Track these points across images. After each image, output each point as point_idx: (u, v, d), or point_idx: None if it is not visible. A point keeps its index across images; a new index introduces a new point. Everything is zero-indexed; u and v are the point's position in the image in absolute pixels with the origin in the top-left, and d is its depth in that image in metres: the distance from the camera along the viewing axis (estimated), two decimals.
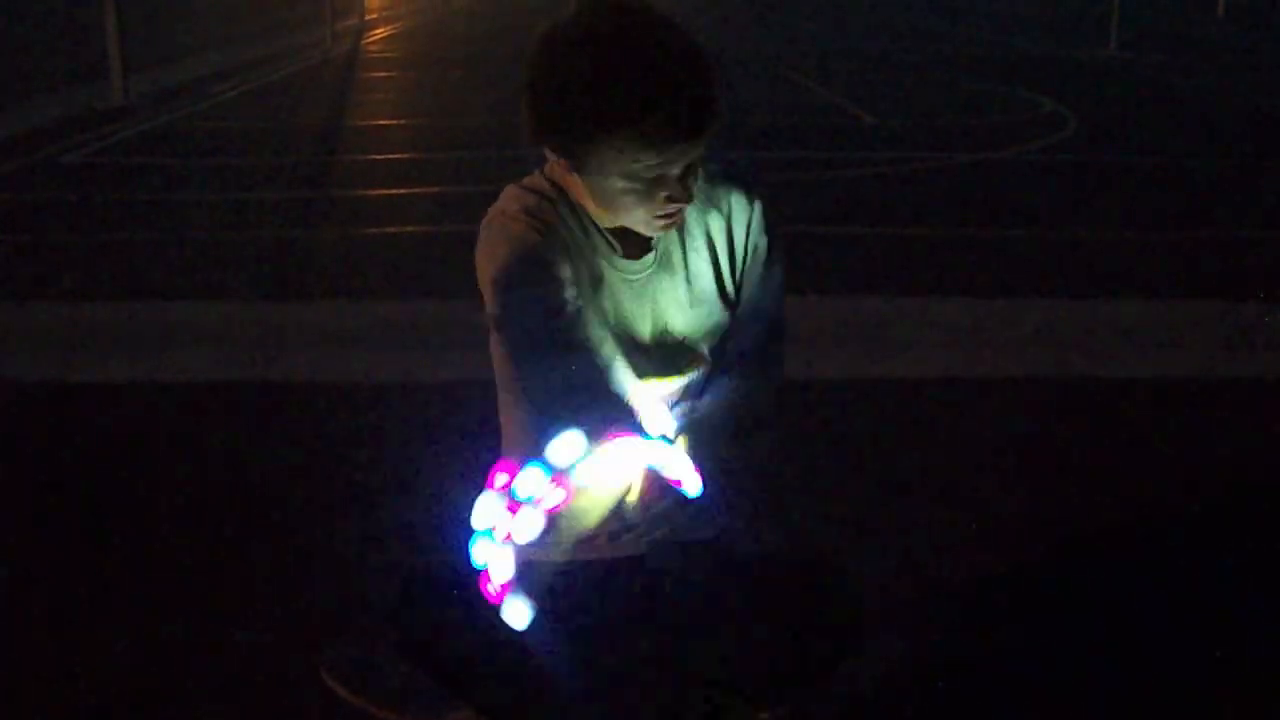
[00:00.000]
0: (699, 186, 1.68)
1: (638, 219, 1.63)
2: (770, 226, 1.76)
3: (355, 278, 5.35)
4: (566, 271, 1.66)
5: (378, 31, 20.47)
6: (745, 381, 1.75)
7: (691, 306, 1.73)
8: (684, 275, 1.73)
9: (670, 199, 1.60)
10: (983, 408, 3.89)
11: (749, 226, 1.75)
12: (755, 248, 1.75)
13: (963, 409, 3.87)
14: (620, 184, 1.57)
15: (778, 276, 1.78)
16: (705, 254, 1.74)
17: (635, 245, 1.71)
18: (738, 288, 1.76)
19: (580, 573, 1.84)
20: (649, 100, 1.50)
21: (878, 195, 7.34)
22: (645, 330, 1.73)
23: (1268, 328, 4.69)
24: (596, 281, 1.70)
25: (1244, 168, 8.30)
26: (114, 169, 8.14)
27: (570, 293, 1.65)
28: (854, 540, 2.96)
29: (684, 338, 1.74)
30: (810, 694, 2.11)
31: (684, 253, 1.73)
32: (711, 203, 1.73)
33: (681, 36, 1.56)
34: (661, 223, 1.63)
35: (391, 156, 8.66)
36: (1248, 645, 2.55)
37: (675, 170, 1.58)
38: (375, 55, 16.49)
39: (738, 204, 1.74)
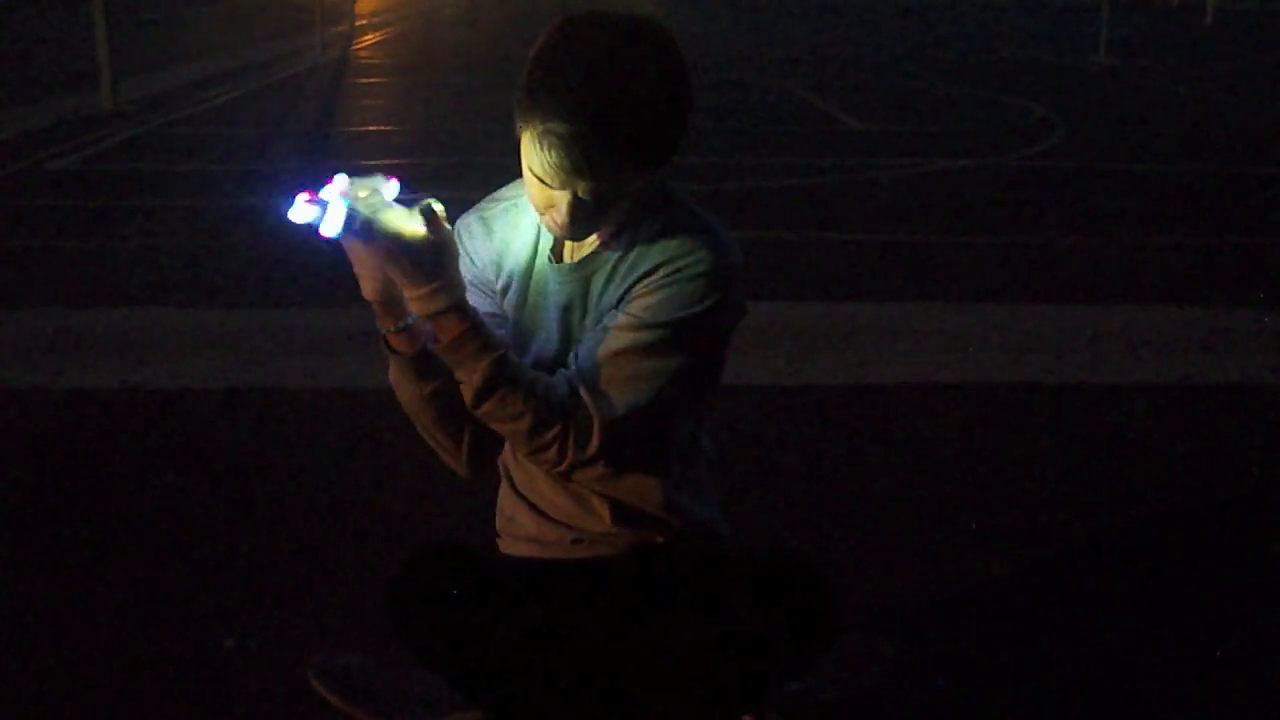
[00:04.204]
0: (666, 221, 1.67)
1: (542, 220, 1.66)
2: (661, 287, 1.64)
3: (345, 283, 5.34)
4: (490, 245, 1.76)
5: (367, 38, 20.48)
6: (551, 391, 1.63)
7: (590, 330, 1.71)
8: (597, 300, 1.71)
9: (547, 219, 1.63)
10: (973, 413, 3.89)
11: (650, 271, 1.66)
12: (632, 289, 1.67)
13: (953, 414, 3.88)
14: (526, 173, 1.61)
15: (630, 340, 1.63)
16: (623, 288, 1.69)
17: (573, 250, 1.73)
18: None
19: (558, 573, 1.85)
20: (540, 112, 1.52)
21: (865, 201, 7.36)
22: (538, 333, 1.75)
23: (1253, 332, 4.71)
24: (526, 270, 1.76)
25: (1231, 175, 8.33)
26: (103, 175, 8.12)
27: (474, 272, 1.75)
28: (844, 543, 2.97)
29: (562, 355, 1.73)
30: (793, 695, 2.12)
31: (608, 280, 1.70)
32: (658, 242, 1.67)
33: (633, 82, 1.51)
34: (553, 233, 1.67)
35: (382, 162, 8.65)
36: (1243, 646, 2.55)
37: (555, 190, 1.57)
38: (365, 61, 16.49)
39: (664, 251, 1.66)
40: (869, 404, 3.96)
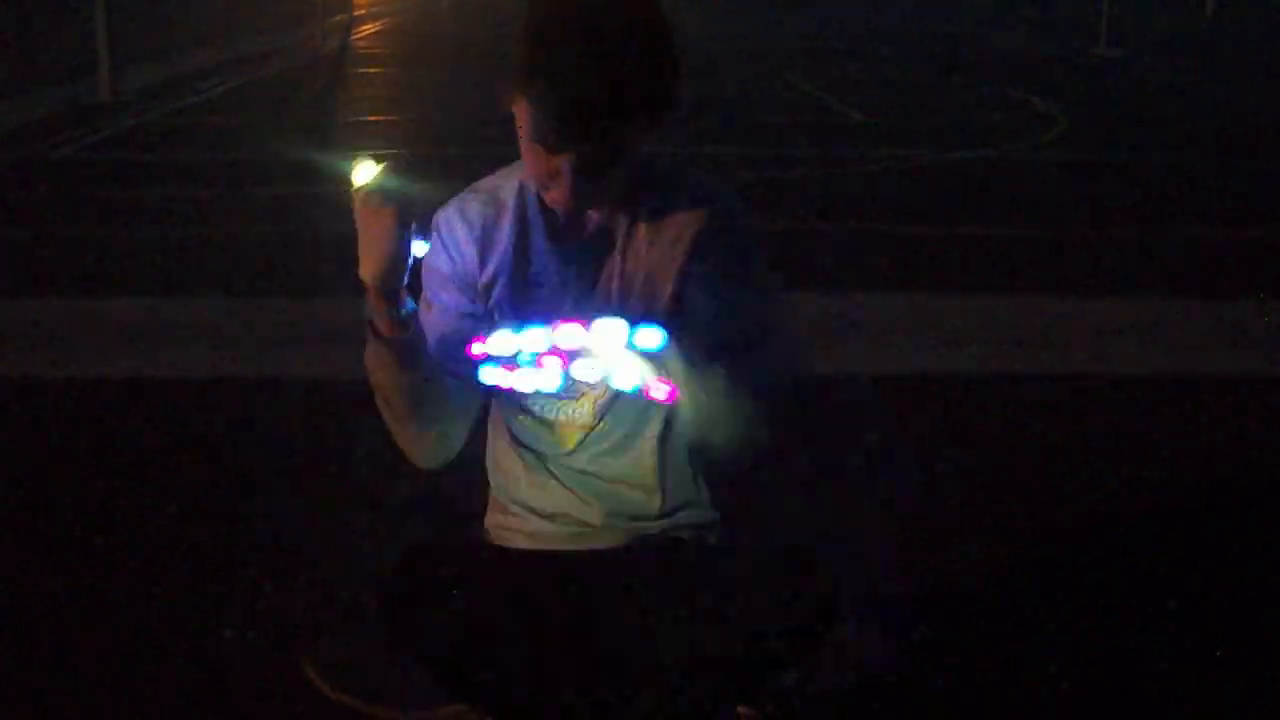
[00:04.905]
0: (666, 194, 1.66)
1: (543, 193, 1.64)
2: (729, 246, 1.67)
3: (345, 274, 5.33)
4: (471, 238, 1.72)
5: (366, 28, 20.46)
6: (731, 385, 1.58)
7: (598, 311, 1.64)
8: (607, 275, 1.69)
9: (551, 191, 1.59)
10: (974, 405, 3.89)
11: (697, 244, 1.66)
12: (701, 266, 1.66)
13: (954, 406, 3.88)
14: (524, 144, 1.58)
15: (745, 296, 1.67)
16: (642, 263, 1.67)
17: (572, 230, 1.69)
18: (670, 311, 1.67)
19: (557, 565, 1.84)
20: (539, 76, 1.49)
21: (867, 193, 7.35)
22: (544, 318, 1.71)
23: (1255, 324, 4.70)
24: (516, 260, 1.71)
25: (1233, 167, 8.32)
26: (103, 165, 8.12)
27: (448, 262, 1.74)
28: (843, 536, 2.96)
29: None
30: (791, 689, 2.12)
31: (618, 255, 1.68)
32: (666, 214, 1.67)
33: (628, 37, 1.50)
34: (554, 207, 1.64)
35: (381, 152, 8.63)
36: (1245, 644, 2.55)
37: (561, 160, 1.54)
38: (364, 51, 16.48)
39: (690, 220, 1.67)
40: (869, 396, 3.95)
